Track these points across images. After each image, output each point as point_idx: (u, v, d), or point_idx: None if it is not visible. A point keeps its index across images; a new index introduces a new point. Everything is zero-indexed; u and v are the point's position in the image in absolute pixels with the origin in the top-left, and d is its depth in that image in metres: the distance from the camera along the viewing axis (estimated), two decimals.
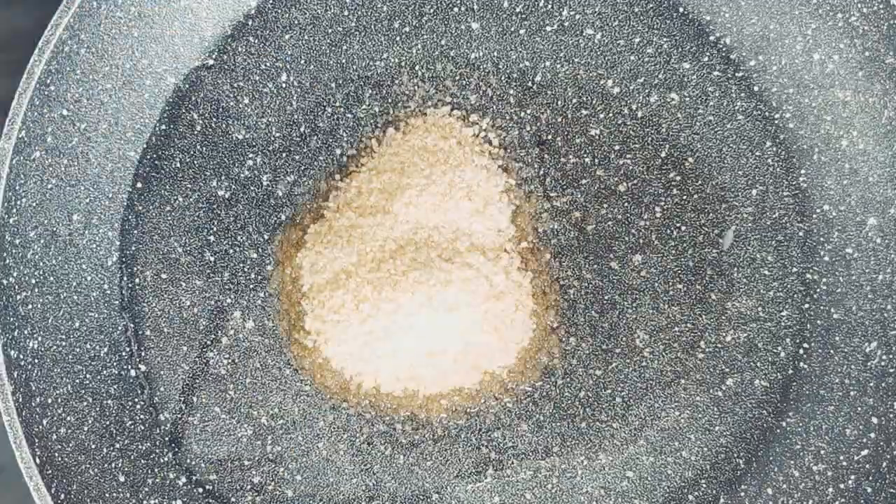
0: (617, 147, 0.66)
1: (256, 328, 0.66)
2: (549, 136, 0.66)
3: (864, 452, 0.62)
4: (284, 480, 0.65)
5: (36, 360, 0.61)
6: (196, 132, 0.66)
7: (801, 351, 0.65)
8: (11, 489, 0.71)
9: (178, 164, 0.66)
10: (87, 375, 0.63)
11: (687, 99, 0.66)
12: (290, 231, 0.66)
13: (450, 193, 0.63)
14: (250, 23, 0.67)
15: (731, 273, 0.66)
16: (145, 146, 0.66)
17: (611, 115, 0.66)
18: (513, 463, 0.64)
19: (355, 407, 0.65)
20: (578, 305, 0.65)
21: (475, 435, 0.64)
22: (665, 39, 0.67)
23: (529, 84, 0.67)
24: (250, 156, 0.66)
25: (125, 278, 0.66)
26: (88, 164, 0.64)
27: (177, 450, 0.65)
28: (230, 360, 0.65)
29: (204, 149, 0.66)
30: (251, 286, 0.66)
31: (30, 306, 0.61)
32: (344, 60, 0.67)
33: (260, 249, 0.66)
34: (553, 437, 0.65)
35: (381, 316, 0.61)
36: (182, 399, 0.65)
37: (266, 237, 0.66)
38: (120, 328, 0.65)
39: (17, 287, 0.60)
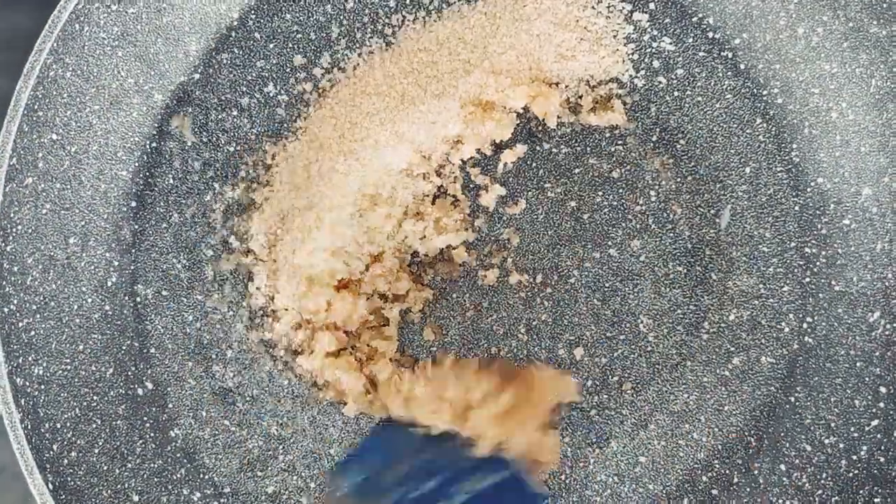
0: (608, 134, 0.66)
1: (260, 339, 0.66)
2: (539, 127, 0.66)
3: (875, 423, 0.62)
4: (299, 489, 0.65)
5: (42, 386, 0.61)
6: (187, 148, 0.66)
7: (805, 325, 0.65)
8: (11, 489, 0.71)
9: (171, 181, 0.66)
10: (95, 397, 0.63)
11: (674, 81, 0.66)
12: None
13: None
14: (233, 35, 0.67)
15: (730, 252, 0.66)
16: (137, 165, 0.66)
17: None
18: None
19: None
20: (580, 294, 0.66)
21: None
22: (648, 22, 0.66)
23: None
24: (242, 168, 0.66)
25: (126, 298, 0.66)
26: (81, 187, 0.64)
27: (189, 465, 0.65)
28: (236, 372, 0.65)
29: (196, 164, 0.66)
30: (252, 296, 0.66)
31: (32, 332, 0.61)
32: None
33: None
34: (563, 428, 0.65)
35: None
36: (191, 414, 0.65)
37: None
38: (124, 348, 0.65)
39: (18, 314, 0.60)
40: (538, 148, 0.66)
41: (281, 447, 0.65)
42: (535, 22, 0.65)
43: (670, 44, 0.66)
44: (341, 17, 0.67)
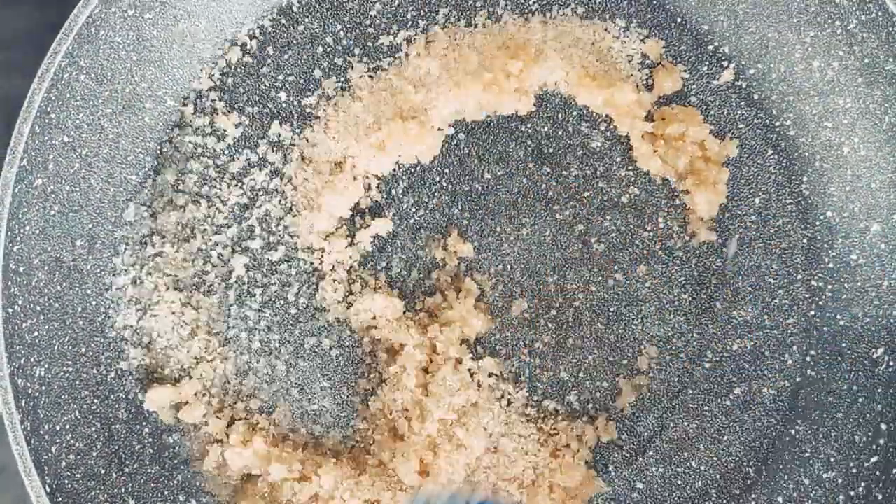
0: (618, 158, 0.66)
1: (262, 347, 0.65)
2: (550, 150, 0.66)
3: (874, 459, 0.62)
4: (296, 495, 0.65)
5: (43, 388, 0.61)
6: (198, 154, 0.66)
7: (808, 358, 0.65)
8: (11, 489, 0.70)
9: (181, 187, 0.66)
10: (95, 401, 0.63)
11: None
12: None
13: None
14: (248, 43, 0.67)
15: (736, 282, 0.66)
16: (147, 169, 0.66)
17: (612, 126, 0.66)
18: None
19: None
20: (584, 318, 0.65)
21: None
22: (664, 49, 0.66)
23: None
24: (253, 175, 0.66)
25: (130, 302, 0.65)
26: (90, 190, 0.64)
27: (186, 472, 0.65)
28: (238, 379, 0.65)
29: (207, 170, 0.66)
30: (257, 303, 0.66)
31: (36, 334, 0.61)
32: None
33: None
34: (562, 450, 0.64)
35: None
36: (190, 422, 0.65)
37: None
38: (126, 352, 0.65)
39: (22, 315, 0.60)
40: (548, 170, 0.66)
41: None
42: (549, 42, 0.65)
43: (684, 71, 0.66)
44: (356, 29, 0.67)
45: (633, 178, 0.66)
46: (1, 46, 0.71)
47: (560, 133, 0.66)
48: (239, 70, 0.67)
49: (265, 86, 0.67)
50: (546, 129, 0.66)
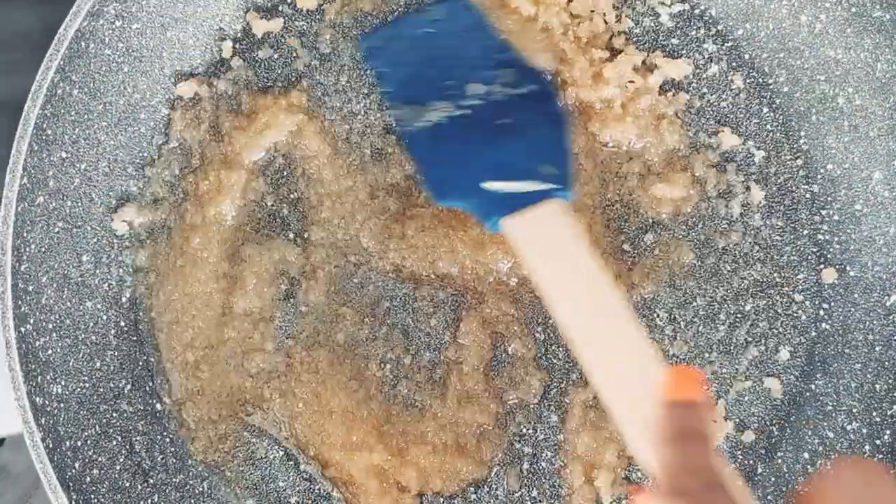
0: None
1: (276, 348, 0.65)
2: None
3: None
4: (321, 498, 0.65)
5: (62, 405, 0.61)
6: (196, 160, 0.66)
7: (822, 312, 0.65)
8: (11, 489, 0.70)
9: (182, 195, 0.66)
10: (114, 414, 0.63)
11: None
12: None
13: None
14: (237, 46, 0.67)
15: (743, 242, 0.66)
16: (147, 180, 0.66)
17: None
18: (545, 454, 0.64)
19: None
20: None
21: (503, 428, 0.64)
22: (649, 18, 0.67)
23: None
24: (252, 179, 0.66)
25: (141, 314, 0.65)
26: (92, 204, 0.64)
27: (211, 479, 0.65)
28: (254, 385, 0.65)
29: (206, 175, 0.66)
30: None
31: (49, 351, 0.61)
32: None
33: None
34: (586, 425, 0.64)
35: None
36: (210, 427, 0.65)
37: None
38: (141, 363, 0.65)
39: (35, 333, 0.60)
40: None
41: (301, 456, 0.65)
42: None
43: (675, 38, 0.67)
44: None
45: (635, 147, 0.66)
46: (1, 46, 0.71)
47: None
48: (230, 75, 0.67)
49: (257, 89, 0.67)
50: None
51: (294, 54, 0.67)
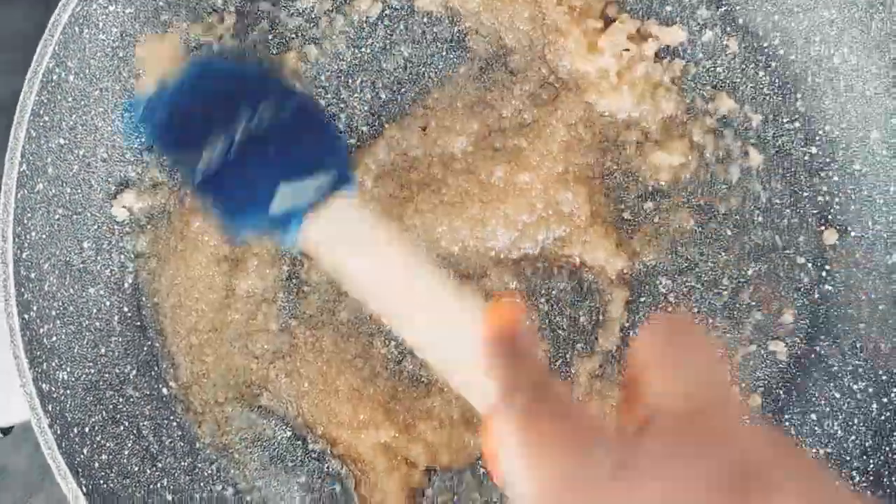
0: None
1: (280, 329, 0.65)
2: (553, 97, 0.66)
3: None
4: (331, 476, 0.65)
5: (68, 391, 0.61)
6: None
7: (824, 273, 0.65)
8: (11, 489, 0.70)
9: (181, 178, 0.66)
10: (120, 399, 0.63)
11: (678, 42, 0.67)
12: None
13: None
14: (233, 29, 0.67)
15: (743, 207, 0.66)
16: (146, 165, 0.66)
17: None
18: None
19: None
20: None
21: None
22: None
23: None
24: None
25: (144, 299, 0.65)
26: (92, 190, 0.64)
27: (220, 461, 0.65)
28: (260, 365, 0.65)
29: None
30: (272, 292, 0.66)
31: (54, 338, 0.61)
32: None
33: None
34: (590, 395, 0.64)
35: None
36: (218, 409, 0.65)
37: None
38: (146, 348, 0.65)
39: (38, 321, 0.60)
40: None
41: (309, 436, 0.65)
42: None
43: (669, 5, 0.67)
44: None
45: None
46: (1, 46, 0.71)
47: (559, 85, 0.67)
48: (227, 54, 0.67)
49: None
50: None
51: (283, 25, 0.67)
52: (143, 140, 0.62)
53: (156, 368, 0.65)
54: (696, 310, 0.65)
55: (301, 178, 0.47)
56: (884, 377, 0.62)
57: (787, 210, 0.66)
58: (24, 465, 0.69)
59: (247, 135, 0.48)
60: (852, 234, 0.65)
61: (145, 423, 0.64)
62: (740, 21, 0.66)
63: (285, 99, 0.51)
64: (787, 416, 0.64)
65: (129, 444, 0.63)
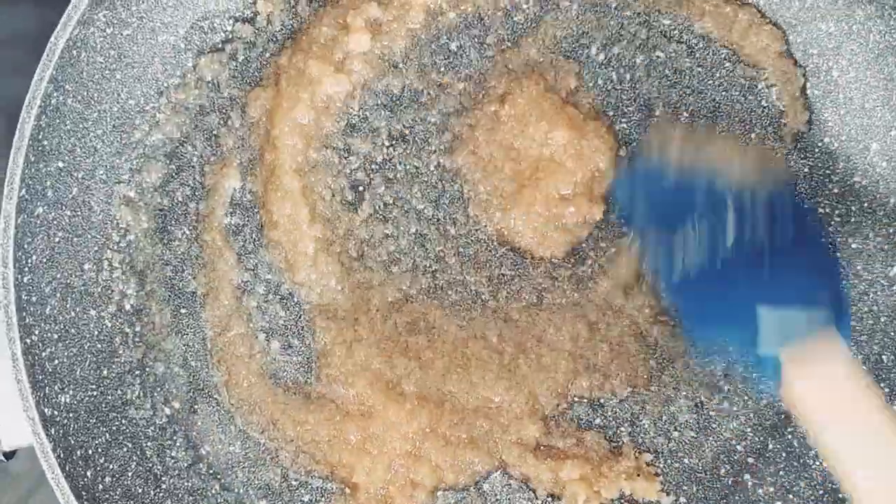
0: (610, 113, 0.66)
1: (282, 348, 0.65)
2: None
3: None
4: (334, 495, 0.65)
5: (70, 414, 0.61)
6: (193, 164, 0.66)
7: None
8: (11, 489, 0.70)
9: (180, 198, 0.66)
10: (123, 421, 0.63)
11: (672, 54, 0.66)
12: None
13: None
14: (228, 48, 0.67)
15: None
16: (145, 185, 0.66)
17: (599, 81, 0.66)
18: None
19: None
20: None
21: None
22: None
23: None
24: (249, 181, 0.66)
25: (145, 320, 0.65)
26: (91, 212, 0.64)
27: (223, 481, 0.65)
28: (263, 386, 0.65)
29: (203, 178, 0.66)
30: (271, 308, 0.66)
31: (56, 361, 0.61)
32: None
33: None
34: (594, 408, 0.64)
35: None
36: (220, 430, 0.65)
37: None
38: (147, 369, 0.65)
39: (41, 344, 0.60)
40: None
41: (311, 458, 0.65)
42: None
43: (665, 17, 0.67)
44: None
45: (627, 131, 0.66)
46: (1, 46, 0.71)
47: None
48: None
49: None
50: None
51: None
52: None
53: (158, 389, 0.65)
54: None
55: (786, 305, 0.41)
56: (886, 390, 0.62)
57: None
58: (25, 466, 0.69)
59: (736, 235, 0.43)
60: (853, 246, 0.65)
61: (148, 444, 0.64)
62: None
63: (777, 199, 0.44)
64: (789, 429, 0.64)
65: (133, 466, 0.63)
